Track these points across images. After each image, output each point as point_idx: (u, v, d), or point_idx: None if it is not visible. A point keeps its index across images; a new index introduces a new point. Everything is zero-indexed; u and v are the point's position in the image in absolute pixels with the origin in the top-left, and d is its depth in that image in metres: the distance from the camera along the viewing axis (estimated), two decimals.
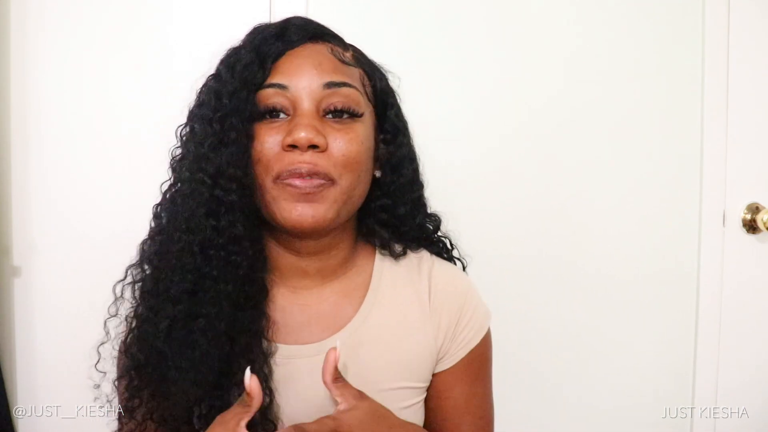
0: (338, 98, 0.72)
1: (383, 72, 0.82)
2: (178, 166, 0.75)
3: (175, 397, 0.71)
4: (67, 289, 1.21)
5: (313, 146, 0.70)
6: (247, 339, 0.73)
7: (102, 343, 0.79)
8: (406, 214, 0.82)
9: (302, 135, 0.69)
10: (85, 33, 1.21)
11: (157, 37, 1.22)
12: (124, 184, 1.19)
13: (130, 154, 1.19)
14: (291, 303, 0.79)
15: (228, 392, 0.72)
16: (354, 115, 0.74)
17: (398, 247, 0.84)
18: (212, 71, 0.77)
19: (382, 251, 0.84)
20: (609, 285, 1.41)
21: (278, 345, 0.76)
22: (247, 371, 0.66)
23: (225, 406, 0.71)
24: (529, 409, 1.38)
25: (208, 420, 0.70)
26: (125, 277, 0.77)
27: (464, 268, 0.91)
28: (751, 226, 1.45)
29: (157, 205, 0.77)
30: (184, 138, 0.76)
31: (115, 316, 0.78)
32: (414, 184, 0.83)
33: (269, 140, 0.71)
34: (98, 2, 1.21)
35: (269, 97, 0.72)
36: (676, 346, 1.46)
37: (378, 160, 0.80)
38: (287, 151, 0.71)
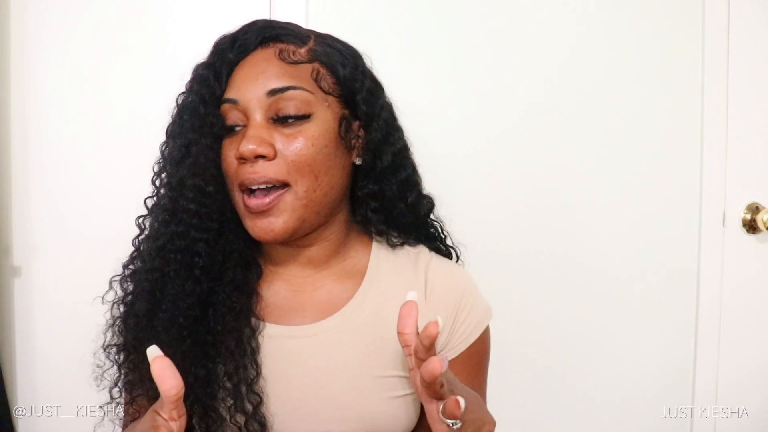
0: (282, 104, 0.74)
1: (349, 57, 0.79)
2: (156, 179, 0.81)
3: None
4: (67, 289, 1.21)
5: (260, 156, 0.73)
6: (232, 315, 0.76)
7: (108, 327, 0.81)
8: (393, 196, 0.82)
9: (248, 147, 0.72)
10: (85, 33, 1.21)
11: (157, 38, 1.22)
12: (124, 184, 1.19)
13: (130, 154, 1.19)
14: (285, 288, 0.82)
15: (213, 362, 0.75)
16: (300, 118, 0.74)
17: (396, 239, 0.85)
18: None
19: (378, 239, 0.85)
20: (609, 285, 1.41)
21: (269, 325, 0.79)
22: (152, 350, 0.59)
23: (209, 376, 0.74)
24: (528, 409, 1.39)
25: (194, 389, 0.73)
26: (123, 272, 0.82)
27: (458, 257, 0.91)
28: (751, 226, 1.45)
29: (139, 216, 0.82)
30: (163, 152, 0.81)
31: (113, 303, 0.81)
32: (399, 167, 0.82)
33: (229, 154, 0.76)
34: (99, 2, 1.21)
35: (227, 111, 0.76)
36: (676, 346, 1.46)
37: (355, 148, 0.80)
38: (241, 163, 0.74)
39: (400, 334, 0.65)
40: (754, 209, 1.45)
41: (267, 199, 0.74)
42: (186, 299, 0.75)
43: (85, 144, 1.21)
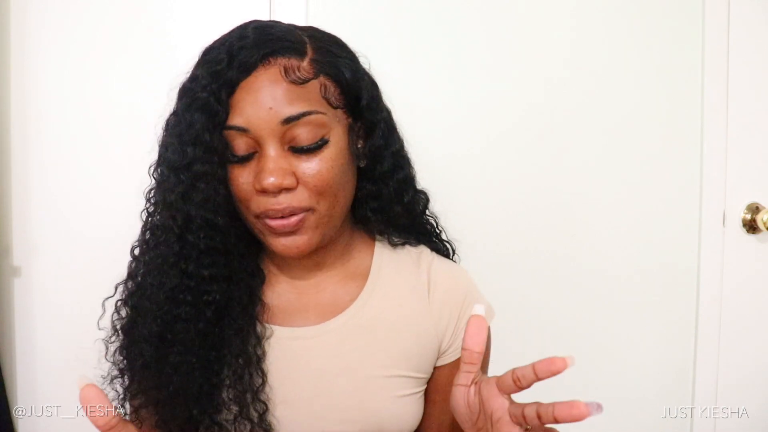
0: (298, 130, 0.70)
1: (348, 59, 0.76)
2: (152, 209, 0.76)
3: (162, 404, 0.74)
4: (67, 289, 1.21)
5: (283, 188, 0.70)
6: (239, 337, 0.75)
7: (109, 336, 0.79)
8: (391, 198, 0.81)
9: (270, 181, 0.69)
10: (85, 33, 1.21)
11: (157, 38, 1.22)
12: (125, 184, 1.19)
13: (130, 155, 1.19)
14: (288, 290, 0.81)
15: (217, 376, 0.74)
16: (320, 145, 0.72)
17: (397, 239, 0.85)
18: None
19: (380, 238, 0.85)
20: (609, 285, 1.41)
21: (273, 327, 0.78)
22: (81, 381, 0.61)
23: (214, 387, 0.73)
24: None
25: (199, 401, 0.73)
26: (114, 293, 0.79)
27: (453, 252, 0.91)
28: (751, 226, 1.45)
29: (135, 246, 0.78)
30: (156, 179, 0.76)
31: (117, 312, 0.79)
32: (396, 168, 0.81)
33: (243, 182, 0.72)
34: (99, 2, 1.21)
35: (233, 137, 0.71)
36: (676, 346, 1.46)
37: (358, 156, 0.79)
38: (260, 194, 0.71)
39: (466, 350, 0.63)
40: (754, 209, 1.45)
41: (293, 220, 0.72)
42: (198, 340, 0.72)
43: (85, 144, 1.21)
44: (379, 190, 0.81)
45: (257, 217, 0.73)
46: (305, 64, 0.72)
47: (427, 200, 0.88)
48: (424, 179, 0.88)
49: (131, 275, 0.77)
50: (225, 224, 0.73)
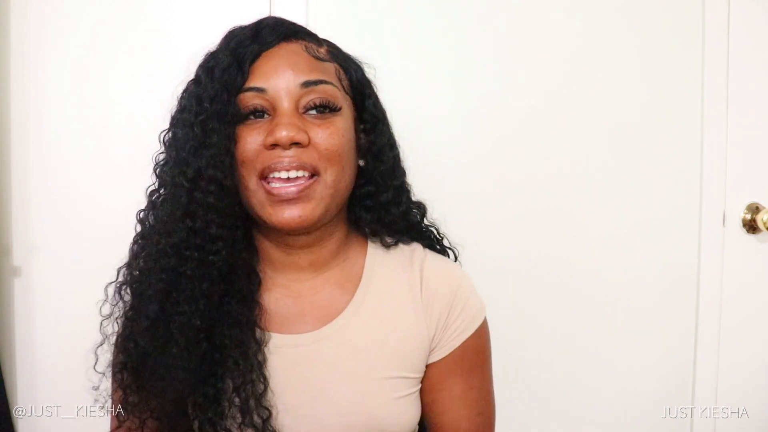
0: (316, 95, 0.74)
1: (358, 64, 0.83)
2: (160, 171, 0.78)
3: (163, 392, 0.73)
4: (67, 289, 1.22)
5: (295, 143, 0.72)
6: (238, 328, 0.75)
7: (99, 345, 0.79)
8: (388, 201, 0.83)
9: (284, 134, 0.71)
10: (85, 33, 1.21)
11: (157, 38, 1.22)
12: (125, 184, 1.18)
13: (130, 155, 1.19)
14: (284, 295, 0.81)
15: (221, 381, 0.74)
16: (333, 110, 0.75)
17: (389, 239, 0.85)
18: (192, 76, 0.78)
19: (373, 239, 0.86)
20: (609, 285, 1.41)
21: (271, 334, 0.78)
22: None
23: (218, 394, 0.73)
24: (529, 410, 1.38)
25: (203, 409, 0.73)
26: (117, 278, 0.79)
27: (456, 258, 0.92)
28: (751, 226, 1.45)
29: (141, 210, 0.79)
30: (166, 143, 0.78)
31: (109, 316, 0.79)
32: (395, 171, 0.84)
33: (251, 140, 0.74)
34: (99, 2, 1.21)
35: (249, 99, 0.74)
36: (676, 346, 1.45)
37: (360, 150, 0.81)
38: (270, 149, 0.73)
39: None
40: (754, 209, 1.45)
41: (296, 187, 0.72)
42: (202, 300, 0.73)
43: (85, 144, 1.21)
44: (376, 191, 0.82)
45: (261, 176, 0.73)
46: (323, 50, 0.79)
47: (425, 210, 0.89)
48: (424, 182, 0.88)
49: (136, 240, 0.78)
50: (232, 187, 0.74)
